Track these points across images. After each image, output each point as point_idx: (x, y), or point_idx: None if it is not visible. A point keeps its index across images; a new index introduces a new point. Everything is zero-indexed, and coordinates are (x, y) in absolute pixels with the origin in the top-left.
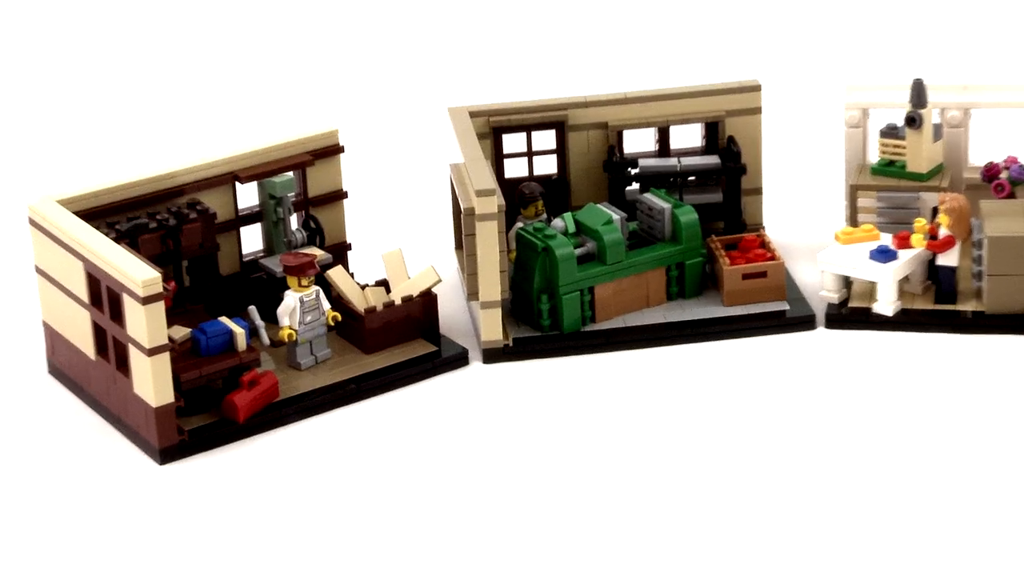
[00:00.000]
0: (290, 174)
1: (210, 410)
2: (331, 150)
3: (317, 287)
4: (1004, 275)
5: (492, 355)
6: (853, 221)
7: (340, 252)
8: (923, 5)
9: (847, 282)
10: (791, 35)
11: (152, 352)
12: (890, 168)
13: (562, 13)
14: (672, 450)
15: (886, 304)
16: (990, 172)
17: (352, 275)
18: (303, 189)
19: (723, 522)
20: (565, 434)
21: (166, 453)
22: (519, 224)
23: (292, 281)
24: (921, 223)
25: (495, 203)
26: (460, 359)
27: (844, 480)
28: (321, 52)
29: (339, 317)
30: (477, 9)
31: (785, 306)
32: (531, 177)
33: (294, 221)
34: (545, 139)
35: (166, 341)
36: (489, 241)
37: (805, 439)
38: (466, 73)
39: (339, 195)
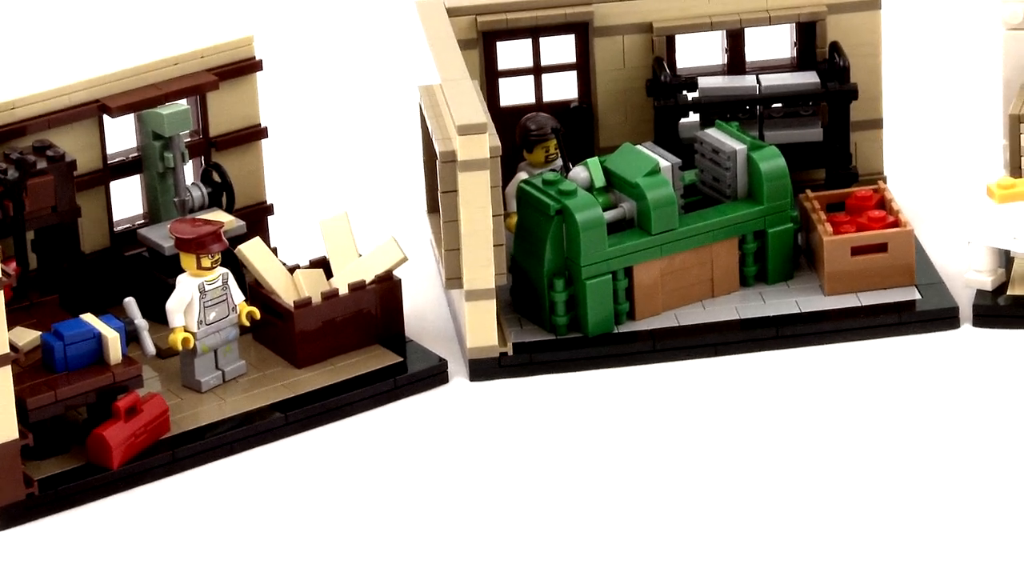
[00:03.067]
0: (183, 103)
1: (71, 450)
2: (243, 67)
3: (225, 270)
4: None
5: (483, 368)
6: (1015, 168)
7: (258, 218)
8: None
9: (1006, 259)
10: None
11: None
12: None
13: None
14: (749, 505)
15: None
16: None
17: (275, 252)
18: (202, 126)
19: None
20: (589, 485)
21: (8, 513)
22: (522, 175)
23: (188, 261)
24: None
25: (486, 143)
26: (436, 375)
27: (1004, 538)
28: None
29: (257, 314)
30: None
31: (915, 294)
32: (540, 105)
33: (189, 172)
34: (561, 48)
35: (5, 350)
36: (477, 200)
37: (942, 482)
38: None
39: (256, 133)
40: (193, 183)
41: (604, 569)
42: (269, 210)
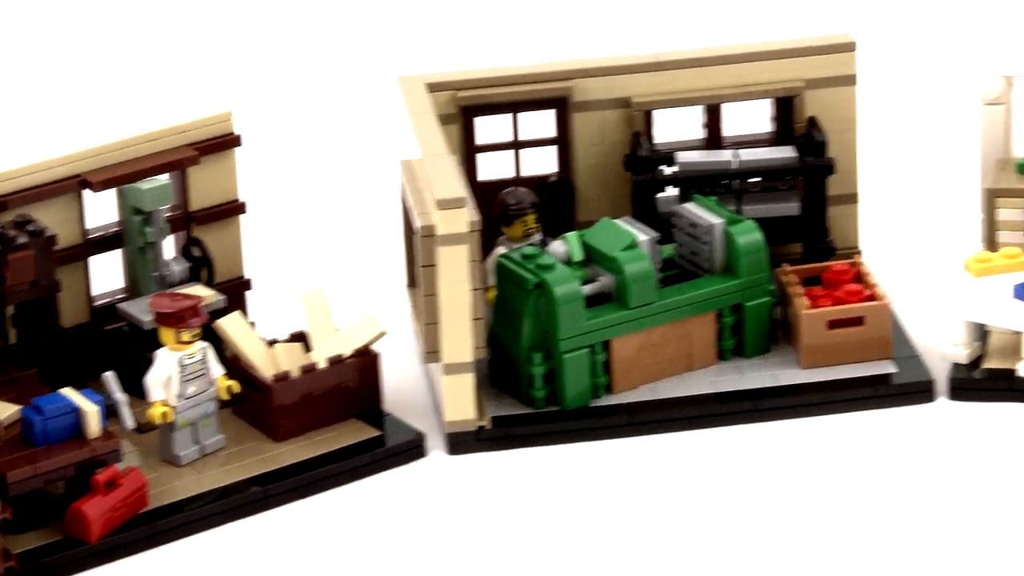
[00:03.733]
0: (164, 178)
1: (49, 524)
2: (223, 142)
3: (204, 344)
4: None
5: (461, 442)
6: (991, 242)
7: (237, 292)
8: None
9: (982, 333)
10: None
11: None
12: None
13: None
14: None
15: None
16: None
17: (254, 326)
18: (182, 200)
19: None
20: (564, 559)
21: None
22: (501, 249)
23: (167, 335)
24: None
25: (464, 218)
26: (413, 448)
27: None
28: (207, 8)
29: (236, 388)
30: None
31: (891, 368)
32: (519, 180)
33: (170, 247)
34: (540, 123)
35: None
36: (455, 274)
37: (919, 560)
38: (422, 29)
39: (235, 208)
40: (173, 258)
41: None
42: (248, 284)
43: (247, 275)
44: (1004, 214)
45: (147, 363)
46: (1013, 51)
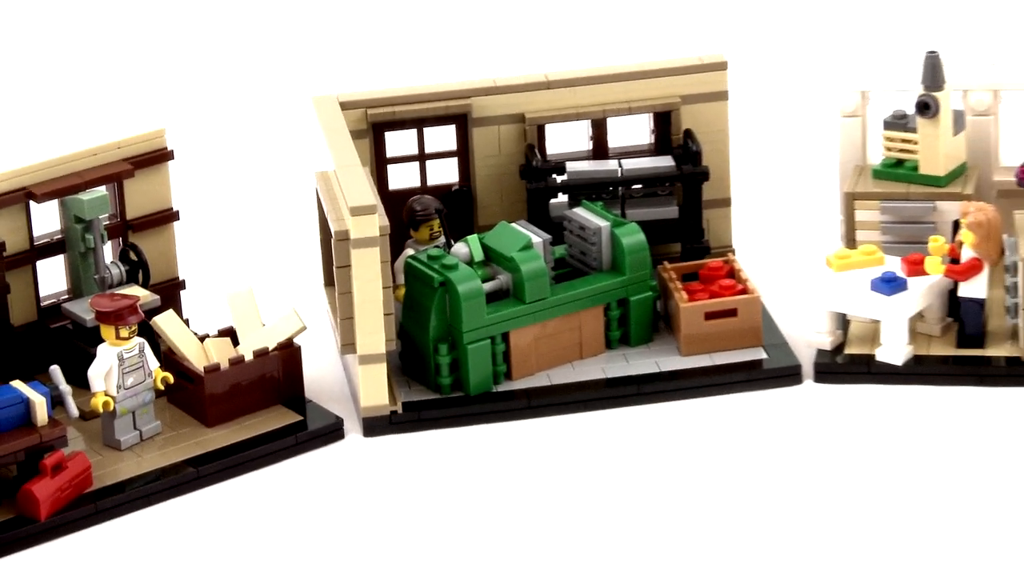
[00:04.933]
0: (102, 190)
1: (2, 504)
2: (156, 157)
3: (141, 339)
4: None
5: (375, 425)
6: (850, 240)
7: (171, 292)
8: None
9: (843, 321)
10: None
11: None
12: (897, 170)
13: None
14: (615, 548)
15: (893, 349)
16: None
17: (187, 322)
18: (120, 209)
19: None
20: (472, 530)
21: None
22: (409, 251)
23: (107, 332)
24: (938, 242)
25: (375, 223)
26: (333, 432)
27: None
28: (142, 32)
29: (171, 379)
30: None
31: (762, 354)
32: (424, 189)
33: (108, 252)
34: (442, 137)
35: None
36: (368, 274)
37: (789, 529)
38: (335, 51)
39: (168, 216)
40: (112, 261)
41: None
42: (181, 285)
43: (180, 276)
44: (861, 215)
45: (89, 357)
46: (867, 69)
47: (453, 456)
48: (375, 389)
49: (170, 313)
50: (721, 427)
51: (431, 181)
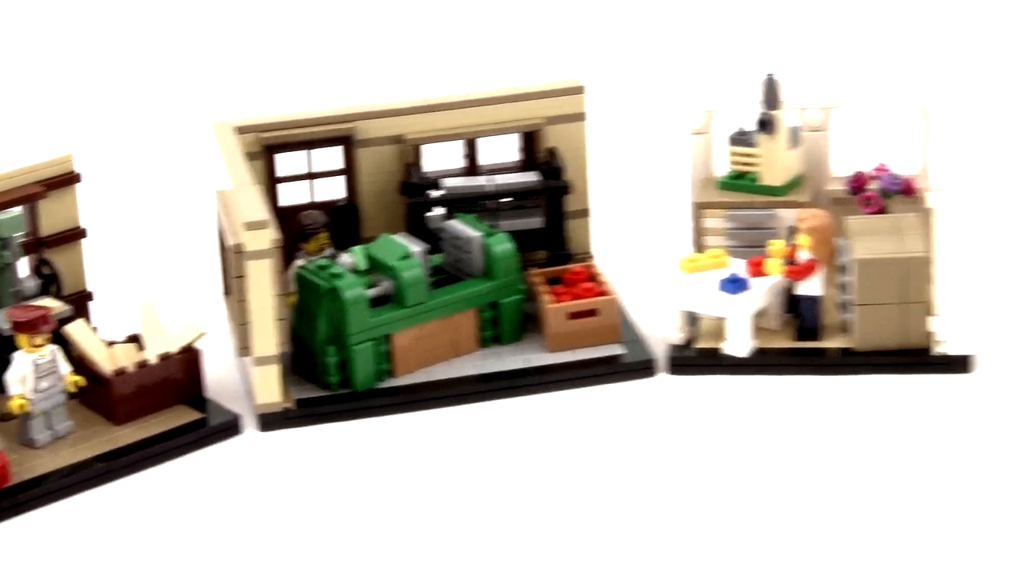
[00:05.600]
0: (17, 210)
1: None
2: (65, 179)
3: (54, 346)
4: (875, 304)
5: (270, 421)
6: (698, 246)
7: (80, 303)
8: None
9: (693, 319)
10: (615, 27)
11: None
12: (740, 181)
13: (346, 7)
14: (490, 529)
15: (738, 343)
16: (857, 183)
17: (96, 330)
18: (33, 228)
19: None
20: (360, 513)
21: None
22: (299, 262)
23: (22, 340)
24: (777, 246)
25: (267, 237)
26: (231, 427)
27: (692, 557)
28: (51, 60)
29: (82, 382)
30: (243, 5)
31: (620, 349)
32: (313, 204)
33: (23, 267)
34: (329, 158)
35: None
36: (262, 283)
37: (646, 507)
38: (231, 82)
39: (77, 234)
40: (27, 275)
41: None
42: (90, 296)
43: (89, 288)
44: (709, 223)
45: (6, 364)
46: (713, 91)
47: (342, 448)
48: (269, 388)
49: (80, 322)
50: (585, 416)
51: (319, 197)
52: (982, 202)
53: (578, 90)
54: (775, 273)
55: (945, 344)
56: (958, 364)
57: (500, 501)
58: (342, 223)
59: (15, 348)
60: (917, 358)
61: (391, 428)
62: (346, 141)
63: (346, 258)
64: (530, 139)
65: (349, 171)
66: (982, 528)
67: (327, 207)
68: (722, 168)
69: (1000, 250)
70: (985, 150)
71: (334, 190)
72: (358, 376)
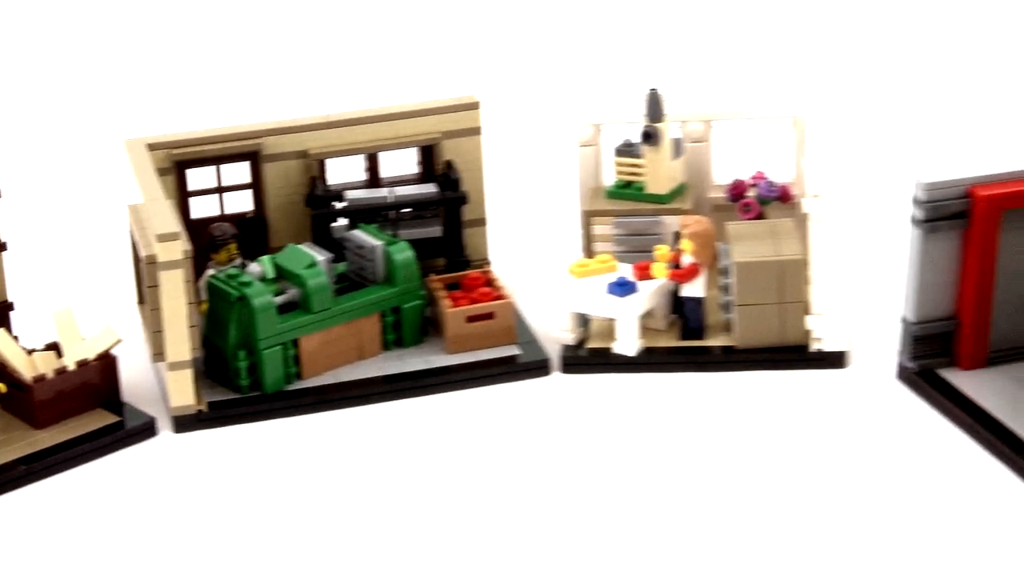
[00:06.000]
0: None
1: None
2: None
3: None
4: (755, 305)
5: (184, 423)
6: (588, 251)
7: (1, 313)
8: (654, 7)
9: (584, 320)
10: (508, 46)
11: None
12: (627, 190)
13: (252, 29)
14: (396, 523)
15: (627, 343)
16: (736, 191)
17: (16, 339)
18: None
19: None
20: (270, 510)
21: None
22: (210, 271)
23: None
24: (662, 251)
25: (179, 248)
26: (146, 429)
27: (584, 537)
28: None
29: (3, 388)
30: (152, 28)
31: (516, 350)
32: (222, 217)
33: None
34: (237, 172)
35: None
36: (174, 292)
37: (541, 498)
38: (143, 101)
39: None
40: None
41: None
42: (10, 307)
43: (10, 299)
44: (597, 229)
45: None
46: (600, 106)
47: (254, 447)
48: (183, 391)
49: (1, 331)
50: (484, 414)
51: (228, 210)
52: (853, 206)
53: (473, 106)
54: (660, 276)
55: (821, 341)
56: (833, 359)
57: (405, 497)
58: (250, 234)
59: None
60: (795, 354)
61: (300, 428)
62: (253, 156)
63: (255, 267)
64: (428, 152)
65: (257, 185)
66: (857, 509)
67: (236, 219)
68: (609, 178)
69: (870, 251)
70: (854, 157)
71: (243, 203)
72: (267, 379)
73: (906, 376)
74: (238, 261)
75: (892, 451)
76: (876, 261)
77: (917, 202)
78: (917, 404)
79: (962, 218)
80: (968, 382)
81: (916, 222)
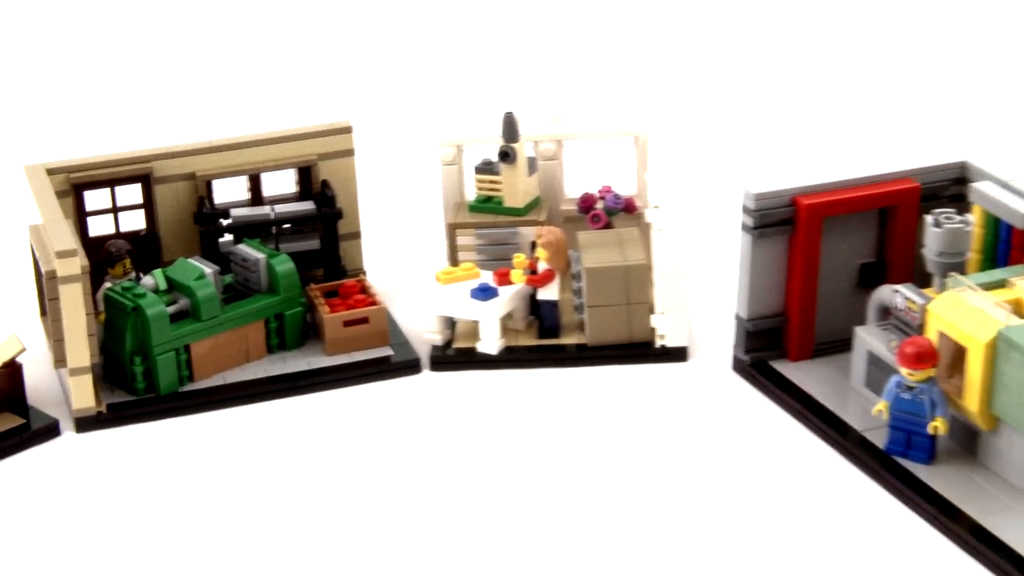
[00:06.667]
0: None
1: None
2: None
3: None
4: (603, 306)
5: (85, 424)
6: (453, 260)
7: None
8: (509, 37)
9: (451, 323)
10: (380, 74)
11: None
12: (487, 204)
13: (143, 58)
14: (280, 510)
15: (490, 343)
16: (586, 203)
17: None
18: None
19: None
20: (168, 503)
21: None
22: (107, 285)
23: None
24: (520, 258)
25: (78, 264)
26: (51, 430)
27: (450, 520)
28: None
29: None
30: (44, 60)
31: (389, 351)
32: (117, 234)
33: None
34: (130, 194)
35: None
36: (74, 304)
37: (415, 487)
38: (43, 128)
39: None
40: None
41: None
42: None
43: None
44: (461, 240)
45: None
46: (461, 128)
47: (150, 445)
48: (84, 395)
49: None
50: (361, 410)
51: (123, 228)
52: (691, 215)
53: (346, 129)
54: (519, 282)
55: (664, 338)
56: (675, 354)
57: (290, 487)
58: (144, 250)
59: None
60: (641, 350)
61: (192, 426)
62: (145, 179)
63: (148, 280)
64: (306, 173)
65: (149, 205)
66: (698, 489)
67: (130, 236)
68: (471, 193)
69: (706, 256)
70: (691, 171)
71: (136, 222)
72: (162, 382)
73: (741, 368)
74: (132, 275)
75: (730, 436)
76: (712, 264)
77: (747, 211)
78: (751, 393)
79: (787, 225)
80: (796, 372)
81: (746, 229)
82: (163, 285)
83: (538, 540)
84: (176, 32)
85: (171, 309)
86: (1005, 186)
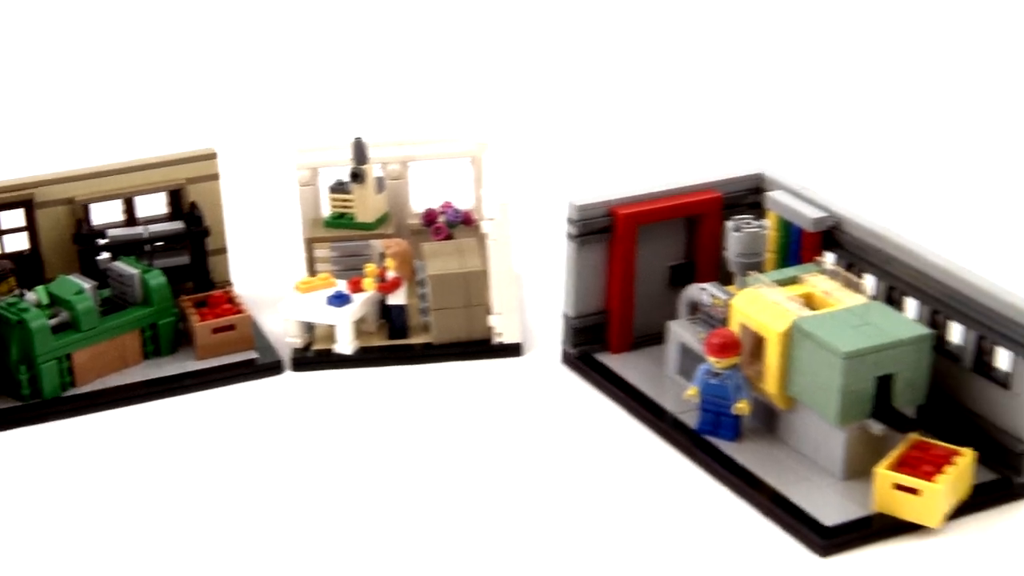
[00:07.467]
0: None
1: None
2: None
3: None
4: (446, 308)
5: None
6: (311, 271)
7: None
8: (361, 67)
9: (310, 327)
10: (242, 101)
11: None
12: (341, 220)
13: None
14: (154, 507)
15: (345, 344)
16: (429, 217)
17: None
18: None
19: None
20: (56, 504)
21: None
22: None
23: None
24: (371, 268)
25: None
26: None
27: (312, 509)
28: None
29: None
30: None
31: (254, 355)
32: (2, 255)
33: None
34: (14, 218)
35: None
36: None
37: (278, 481)
38: None
39: None
40: None
41: None
42: None
43: None
44: (318, 253)
45: None
46: (316, 152)
47: (35, 447)
48: None
49: None
50: (230, 408)
51: (7, 249)
52: (522, 226)
53: (211, 155)
54: (370, 289)
55: (500, 335)
56: (511, 350)
57: (166, 484)
58: (27, 268)
59: None
60: (480, 347)
61: (75, 428)
62: (28, 204)
63: (31, 296)
64: (176, 195)
65: (31, 227)
66: (533, 472)
67: (14, 256)
68: (326, 210)
69: (536, 261)
70: (521, 186)
71: (19, 243)
72: (46, 388)
73: (569, 360)
74: (17, 291)
75: (561, 422)
76: (541, 269)
77: (570, 220)
78: (578, 383)
79: (606, 232)
80: (617, 363)
81: (570, 236)
82: (45, 300)
83: (389, 523)
84: (47, 63)
85: (53, 322)
86: (796, 194)
